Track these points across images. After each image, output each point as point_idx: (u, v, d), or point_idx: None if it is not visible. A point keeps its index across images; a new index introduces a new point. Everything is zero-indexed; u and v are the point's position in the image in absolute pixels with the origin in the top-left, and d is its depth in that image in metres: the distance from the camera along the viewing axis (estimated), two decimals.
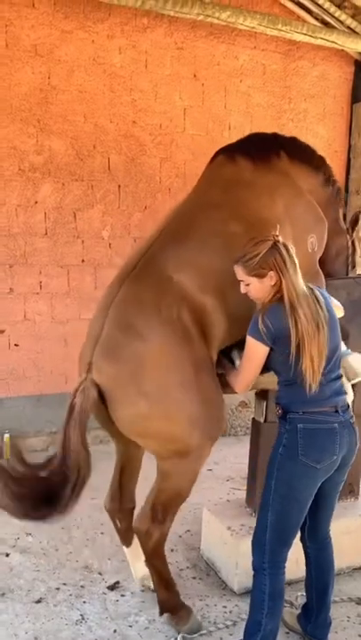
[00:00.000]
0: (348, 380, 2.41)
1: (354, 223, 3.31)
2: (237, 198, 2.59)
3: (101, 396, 2.26)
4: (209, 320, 2.34)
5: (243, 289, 2.22)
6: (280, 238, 2.16)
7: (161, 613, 2.53)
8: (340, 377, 2.21)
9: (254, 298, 2.21)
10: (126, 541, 2.77)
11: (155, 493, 2.40)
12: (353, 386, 2.71)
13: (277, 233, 2.19)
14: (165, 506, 2.39)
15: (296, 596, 2.71)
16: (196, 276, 2.34)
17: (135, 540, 2.68)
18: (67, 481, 2.11)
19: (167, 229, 2.52)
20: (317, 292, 2.16)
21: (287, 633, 2.52)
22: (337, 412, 2.14)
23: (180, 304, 2.28)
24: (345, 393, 2.23)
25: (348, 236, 3.24)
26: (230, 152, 2.80)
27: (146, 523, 2.40)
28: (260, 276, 2.12)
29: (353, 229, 3.29)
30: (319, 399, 2.12)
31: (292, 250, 2.16)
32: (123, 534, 2.76)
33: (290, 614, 2.56)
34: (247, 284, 2.19)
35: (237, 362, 2.50)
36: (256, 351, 2.13)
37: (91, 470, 2.19)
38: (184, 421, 2.25)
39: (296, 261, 2.14)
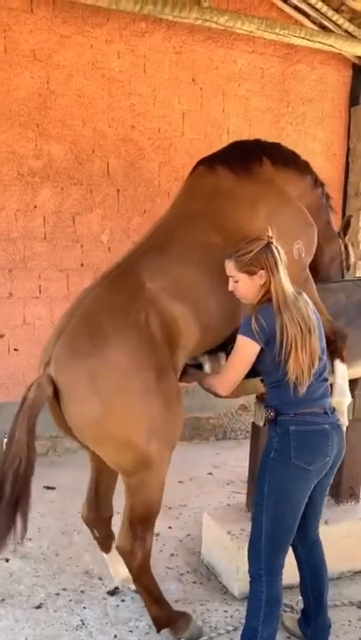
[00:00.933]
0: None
1: (346, 227, 3.31)
2: (217, 209, 2.57)
3: (58, 398, 2.20)
4: (178, 329, 2.32)
5: (230, 286, 2.23)
6: (274, 240, 2.18)
7: (158, 630, 2.47)
8: (326, 379, 2.23)
9: (241, 297, 2.22)
10: (105, 548, 2.76)
11: (127, 511, 2.36)
12: (352, 389, 2.73)
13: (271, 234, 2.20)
14: (141, 521, 2.35)
15: (297, 601, 2.70)
16: (169, 284, 2.33)
17: (114, 545, 2.67)
18: (4, 479, 2.06)
19: (148, 239, 2.53)
20: (305, 296, 2.18)
21: (288, 638, 2.52)
22: (326, 413, 2.17)
23: (148, 310, 2.26)
24: (331, 396, 2.26)
25: (340, 241, 3.23)
26: (210, 162, 2.76)
27: (129, 542, 2.35)
28: (251, 273, 2.14)
29: (345, 234, 3.29)
30: (309, 400, 2.14)
31: (283, 253, 2.18)
32: (101, 542, 2.76)
33: (291, 619, 2.55)
34: (236, 281, 2.19)
35: (207, 366, 2.51)
36: (247, 351, 2.13)
37: (32, 469, 2.11)
38: (141, 427, 2.19)
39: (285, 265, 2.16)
